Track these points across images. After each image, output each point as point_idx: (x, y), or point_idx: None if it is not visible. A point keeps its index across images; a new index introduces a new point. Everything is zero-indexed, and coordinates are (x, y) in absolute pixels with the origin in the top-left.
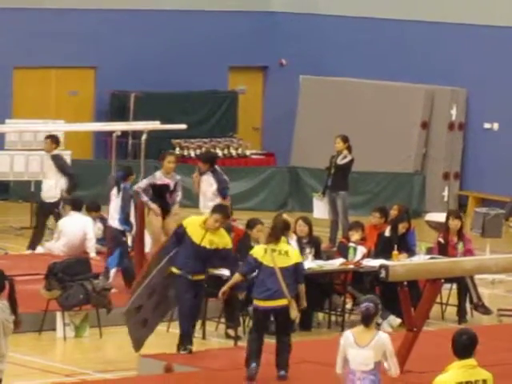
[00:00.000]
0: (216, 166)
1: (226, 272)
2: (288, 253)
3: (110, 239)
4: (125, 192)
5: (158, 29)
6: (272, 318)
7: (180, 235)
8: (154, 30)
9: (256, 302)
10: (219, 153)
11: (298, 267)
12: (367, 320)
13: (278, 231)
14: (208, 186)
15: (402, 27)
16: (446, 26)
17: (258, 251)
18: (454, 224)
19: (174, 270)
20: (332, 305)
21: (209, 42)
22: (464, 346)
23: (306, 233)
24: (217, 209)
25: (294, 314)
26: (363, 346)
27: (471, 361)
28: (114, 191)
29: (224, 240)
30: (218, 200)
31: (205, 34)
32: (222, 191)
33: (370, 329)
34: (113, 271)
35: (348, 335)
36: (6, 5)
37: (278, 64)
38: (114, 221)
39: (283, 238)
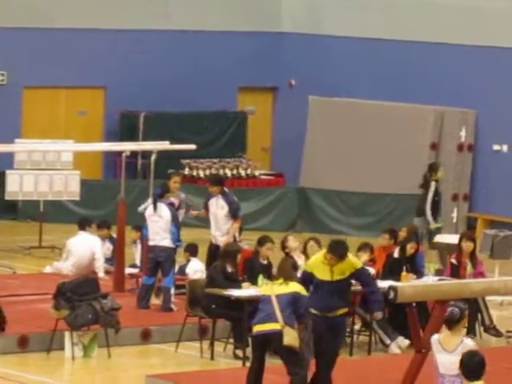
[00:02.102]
0: (225, 188)
1: (234, 292)
2: (288, 284)
3: (165, 258)
4: (171, 209)
5: (168, 49)
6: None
7: (308, 280)
8: (163, 50)
9: (253, 330)
10: (228, 173)
11: (296, 296)
12: (450, 323)
13: (286, 273)
14: (219, 208)
15: (412, 49)
16: (455, 48)
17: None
18: (467, 246)
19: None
20: None
21: (218, 63)
22: (474, 368)
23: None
24: (331, 249)
25: (286, 339)
26: (450, 352)
27: (480, 383)
28: (150, 210)
29: (351, 264)
30: (232, 222)
31: (214, 55)
32: (233, 212)
33: (455, 334)
34: (173, 291)
35: (435, 341)
36: (17, 24)
37: (287, 85)
38: (164, 240)
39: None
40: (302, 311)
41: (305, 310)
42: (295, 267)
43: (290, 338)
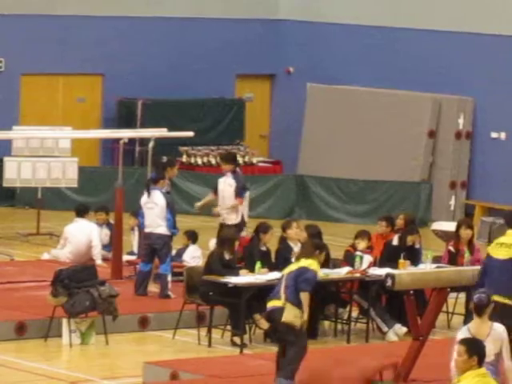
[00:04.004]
0: (237, 169)
1: (231, 280)
2: (300, 261)
3: (161, 246)
4: (166, 196)
5: (166, 36)
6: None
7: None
8: (161, 38)
9: None
10: None
11: (300, 271)
12: (480, 310)
13: (304, 253)
14: (226, 186)
15: (410, 36)
16: (453, 35)
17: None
18: (466, 233)
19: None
20: (334, 314)
21: (216, 50)
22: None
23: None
24: None
25: (285, 316)
26: (483, 338)
27: (483, 369)
28: (145, 197)
29: None
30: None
31: (212, 42)
32: (238, 191)
33: (484, 320)
34: (170, 278)
35: (465, 331)
36: (14, 11)
37: (285, 72)
38: (160, 227)
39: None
40: (302, 285)
41: (306, 282)
42: (318, 247)
43: (290, 315)
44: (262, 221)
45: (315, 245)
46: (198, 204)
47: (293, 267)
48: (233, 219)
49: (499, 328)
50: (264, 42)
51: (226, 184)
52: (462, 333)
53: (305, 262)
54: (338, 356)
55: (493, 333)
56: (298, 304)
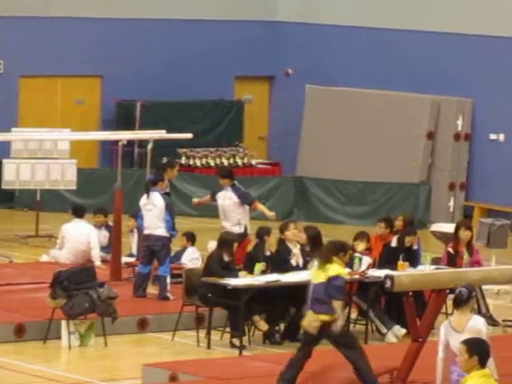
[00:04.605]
0: (235, 181)
1: (231, 281)
2: (325, 269)
3: (160, 247)
4: (165, 198)
5: (164, 38)
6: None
7: None
8: (160, 40)
9: None
10: (225, 162)
11: (330, 283)
12: (458, 303)
13: (323, 257)
14: (226, 199)
15: (409, 37)
16: (452, 37)
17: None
18: (465, 235)
19: None
20: None
21: (215, 52)
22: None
23: (306, 241)
24: None
25: (302, 322)
26: (460, 331)
27: (487, 370)
28: (144, 199)
29: None
30: (240, 211)
31: (211, 44)
32: (247, 201)
33: (464, 313)
34: (169, 279)
35: (446, 323)
36: (13, 13)
37: (283, 74)
38: (159, 229)
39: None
40: (333, 292)
41: (338, 291)
42: (342, 249)
43: (306, 321)
44: (261, 225)
45: (337, 247)
46: (195, 200)
47: (321, 276)
48: (236, 231)
49: (478, 321)
50: (263, 43)
51: (226, 198)
52: (445, 326)
53: (332, 271)
54: (335, 359)
55: (469, 325)
56: (320, 311)
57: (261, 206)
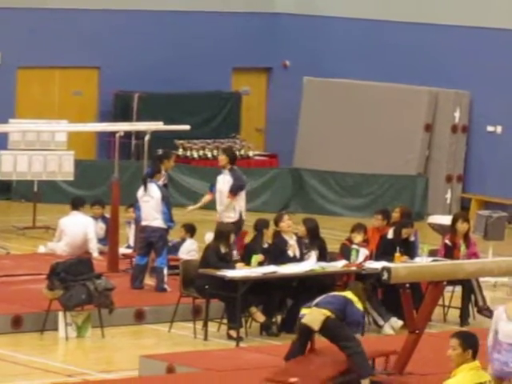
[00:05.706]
0: (235, 166)
1: (228, 273)
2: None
3: (157, 239)
4: (162, 189)
5: (162, 29)
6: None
7: None
8: (157, 31)
9: None
10: None
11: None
12: None
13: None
14: (225, 184)
15: (406, 29)
16: (450, 29)
17: None
18: (463, 227)
19: None
20: None
21: (212, 43)
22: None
23: (304, 233)
24: None
25: (306, 318)
26: None
27: (477, 363)
28: (141, 191)
29: None
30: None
31: (209, 35)
32: (233, 187)
33: None
34: (166, 271)
35: (501, 309)
36: (10, 5)
37: (281, 65)
38: (156, 220)
39: None
40: (350, 320)
41: (353, 319)
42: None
43: (309, 317)
44: (259, 217)
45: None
46: (190, 208)
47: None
48: (230, 217)
49: None
50: (260, 35)
51: (225, 182)
52: (499, 312)
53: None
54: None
55: None
56: (324, 308)
57: (228, 201)
